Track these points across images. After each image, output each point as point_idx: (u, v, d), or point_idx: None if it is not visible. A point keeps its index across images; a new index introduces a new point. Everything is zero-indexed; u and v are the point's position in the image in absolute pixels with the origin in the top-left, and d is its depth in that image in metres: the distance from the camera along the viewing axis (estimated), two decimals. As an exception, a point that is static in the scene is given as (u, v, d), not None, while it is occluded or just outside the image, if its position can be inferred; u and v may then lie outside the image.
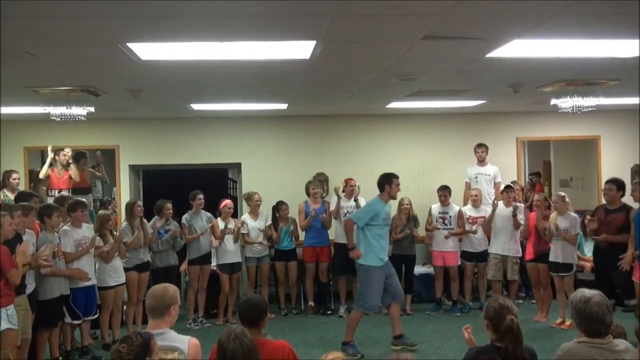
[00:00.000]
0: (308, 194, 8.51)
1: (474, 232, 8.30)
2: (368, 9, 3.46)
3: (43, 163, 9.09)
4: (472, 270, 8.43)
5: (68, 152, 8.58)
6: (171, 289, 3.56)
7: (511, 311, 3.34)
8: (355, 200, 8.20)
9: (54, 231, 6.29)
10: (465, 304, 8.43)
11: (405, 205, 8.36)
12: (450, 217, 8.38)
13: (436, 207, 8.47)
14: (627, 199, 7.03)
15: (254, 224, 8.26)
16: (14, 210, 5.60)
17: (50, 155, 8.49)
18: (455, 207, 8.44)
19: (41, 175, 8.53)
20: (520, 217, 7.92)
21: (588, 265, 8.05)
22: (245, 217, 8.36)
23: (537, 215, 7.61)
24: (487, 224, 8.22)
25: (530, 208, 8.14)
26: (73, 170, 8.63)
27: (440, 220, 8.39)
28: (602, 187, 7.12)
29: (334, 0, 3.31)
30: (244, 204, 8.72)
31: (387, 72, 5.50)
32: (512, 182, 8.58)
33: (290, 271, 8.46)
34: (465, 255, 8.42)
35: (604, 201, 7.43)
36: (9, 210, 5.52)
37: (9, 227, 5.41)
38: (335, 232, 8.41)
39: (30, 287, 5.83)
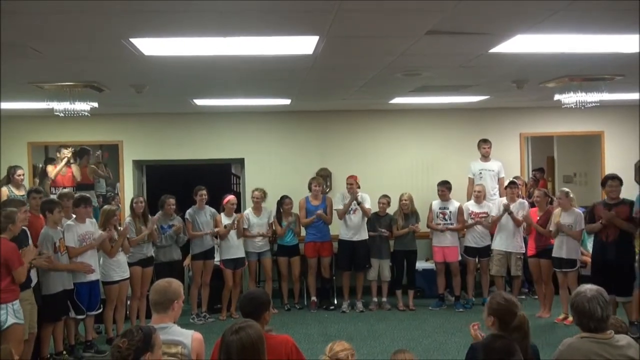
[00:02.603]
0: (310, 189, 8.52)
1: (475, 225, 8.29)
2: (371, 4, 3.45)
3: (47, 158, 9.15)
4: (474, 265, 8.42)
5: (70, 149, 8.65)
6: (175, 283, 3.58)
7: (518, 307, 3.34)
8: (359, 203, 8.18)
9: (56, 226, 6.31)
10: (468, 300, 8.44)
11: (404, 201, 8.36)
12: (450, 212, 8.38)
13: (437, 203, 8.48)
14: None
15: (256, 220, 8.27)
16: (20, 206, 5.65)
17: (66, 154, 8.58)
18: (455, 203, 8.44)
19: (52, 175, 8.60)
20: (521, 215, 7.91)
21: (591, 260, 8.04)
22: (248, 212, 8.38)
23: (538, 212, 7.64)
24: (493, 225, 8.22)
25: (533, 204, 8.13)
26: (75, 168, 8.69)
27: (441, 215, 8.40)
28: (607, 184, 7.09)
29: (337, -4, 3.31)
30: (248, 199, 8.73)
31: (390, 67, 5.50)
32: (515, 177, 8.57)
33: (293, 266, 8.48)
34: (468, 250, 8.43)
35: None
36: (16, 206, 5.57)
37: (20, 224, 5.47)
38: (340, 229, 8.42)
39: (33, 282, 5.87)
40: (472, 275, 8.46)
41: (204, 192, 7.99)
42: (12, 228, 5.43)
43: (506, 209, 7.91)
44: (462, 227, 8.41)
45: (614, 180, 6.96)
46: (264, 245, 8.33)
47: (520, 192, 8.44)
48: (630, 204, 6.88)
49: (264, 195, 8.34)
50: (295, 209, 8.52)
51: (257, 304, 3.63)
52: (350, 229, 8.29)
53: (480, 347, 3.16)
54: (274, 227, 8.41)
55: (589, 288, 3.23)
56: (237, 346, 2.93)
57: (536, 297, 8.16)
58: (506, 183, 8.44)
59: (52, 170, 9.04)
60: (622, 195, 6.99)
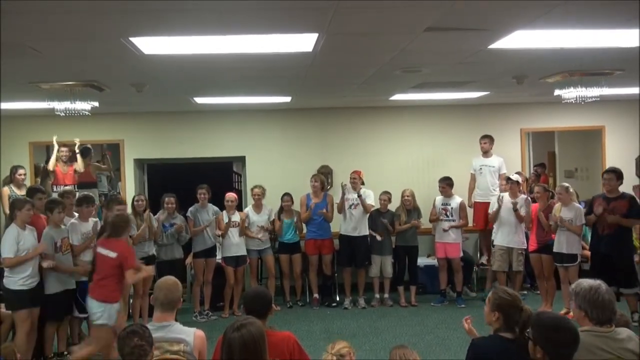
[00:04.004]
0: (312, 186, 8.55)
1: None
2: (369, 2, 3.46)
3: (48, 158, 9.15)
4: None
5: (65, 149, 8.63)
6: (178, 282, 3.67)
7: (521, 301, 3.35)
8: (359, 195, 8.20)
9: (58, 226, 6.31)
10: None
11: (406, 197, 8.38)
12: (451, 208, 8.39)
13: (440, 199, 8.49)
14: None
15: (256, 218, 8.28)
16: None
17: (56, 146, 8.54)
18: (457, 199, 8.45)
19: (50, 166, 8.58)
20: (524, 211, 7.92)
21: (592, 255, 8.06)
22: (249, 210, 8.39)
23: (540, 207, 7.64)
24: (492, 218, 8.23)
25: (534, 199, 8.14)
26: (78, 164, 8.67)
27: (443, 211, 8.41)
28: (602, 178, 7.17)
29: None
30: (249, 197, 8.75)
31: (390, 64, 5.50)
32: (517, 173, 8.57)
33: (295, 264, 8.49)
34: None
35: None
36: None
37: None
38: (341, 225, 8.43)
39: (34, 281, 5.89)
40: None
41: (204, 190, 8.00)
42: (128, 229, 5.90)
43: (514, 208, 7.90)
44: (465, 224, 8.43)
45: (608, 174, 7.05)
46: (264, 243, 8.33)
47: (521, 188, 8.44)
48: (630, 198, 6.93)
49: (263, 192, 8.36)
50: (297, 207, 8.54)
51: (261, 301, 3.66)
52: (350, 223, 8.30)
53: (552, 324, 3.02)
54: (270, 227, 8.41)
55: (597, 282, 3.25)
56: (239, 343, 2.94)
57: (538, 292, 8.17)
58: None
59: (53, 162, 8.95)
60: (624, 189, 7.01)
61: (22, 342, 5.71)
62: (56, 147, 8.55)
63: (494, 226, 8.29)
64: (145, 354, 2.99)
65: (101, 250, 5.58)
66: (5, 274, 5.86)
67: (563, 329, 2.96)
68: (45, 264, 6.01)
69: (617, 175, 6.98)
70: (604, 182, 7.09)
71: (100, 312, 5.45)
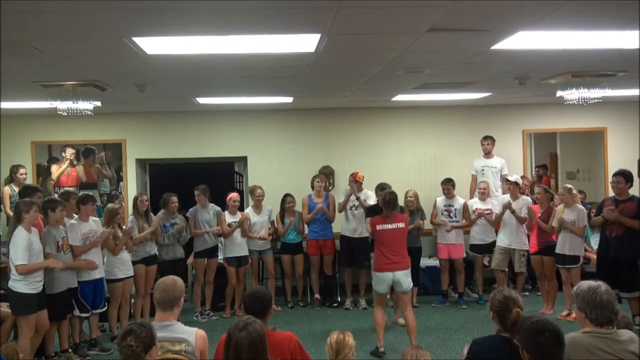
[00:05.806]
0: (313, 187, 8.54)
1: (478, 218, 8.28)
2: (372, 1, 3.46)
3: (50, 157, 9.18)
4: (481, 262, 8.42)
5: (73, 151, 8.67)
6: (179, 281, 3.66)
7: (516, 303, 3.34)
8: (357, 197, 8.18)
9: (58, 225, 6.31)
10: (481, 296, 8.41)
11: (409, 198, 8.37)
12: (455, 209, 8.38)
13: (441, 200, 8.47)
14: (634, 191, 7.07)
15: (257, 218, 8.28)
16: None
17: (67, 162, 8.58)
18: (460, 200, 8.44)
19: (54, 176, 8.63)
20: (524, 212, 7.90)
21: (595, 257, 8.03)
22: (249, 210, 8.39)
23: (540, 208, 7.64)
24: (497, 222, 8.22)
25: (535, 201, 8.13)
26: (80, 169, 8.71)
27: (445, 212, 8.39)
28: (610, 180, 7.12)
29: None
30: (250, 197, 8.75)
31: (392, 64, 5.50)
32: (521, 177, 8.55)
33: (297, 264, 8.50)
34: (474, 247, 8.43)
35: (611, 193, 7.44)
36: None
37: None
38: (342, 226, 8.42)
39: (41, 285, 5.86)
40: (480, 272, 8.45)
41: (197, 191, 7.97)
42: None
43: (507, 207, 7.89)
44: (468, 225, 8.41)
45: (617, 177, 6.97)
46: (265, 244, 8.34)
47: (522, 189, 8.42)
48: (639, 201, 6.88)
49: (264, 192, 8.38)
50: (298, 207, 8.54)
51: (262, 302, 3.67)
52: (351, 224, 8.29)
53: (533, 330, 3.00)
54: (275, 225, 8.42)
55: (597, 283, 3.24)
56: (247, 343, 2.98)
57: (540, 293, 8.16)
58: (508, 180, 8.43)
59: (55, 170, 9.06)
60: (630, 191, 6.98)
61: (25, 346, 5.64)
62: (67, 162, 8.58)
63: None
64: (135, 355, 2.95)
65: (389, 226, 6.33)
66: (14, 277, 5.73)
67: (545, 331, 2.94)
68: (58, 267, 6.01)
69: (625, 177, 6.92)
70: (612, 184, 7.04)
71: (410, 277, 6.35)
